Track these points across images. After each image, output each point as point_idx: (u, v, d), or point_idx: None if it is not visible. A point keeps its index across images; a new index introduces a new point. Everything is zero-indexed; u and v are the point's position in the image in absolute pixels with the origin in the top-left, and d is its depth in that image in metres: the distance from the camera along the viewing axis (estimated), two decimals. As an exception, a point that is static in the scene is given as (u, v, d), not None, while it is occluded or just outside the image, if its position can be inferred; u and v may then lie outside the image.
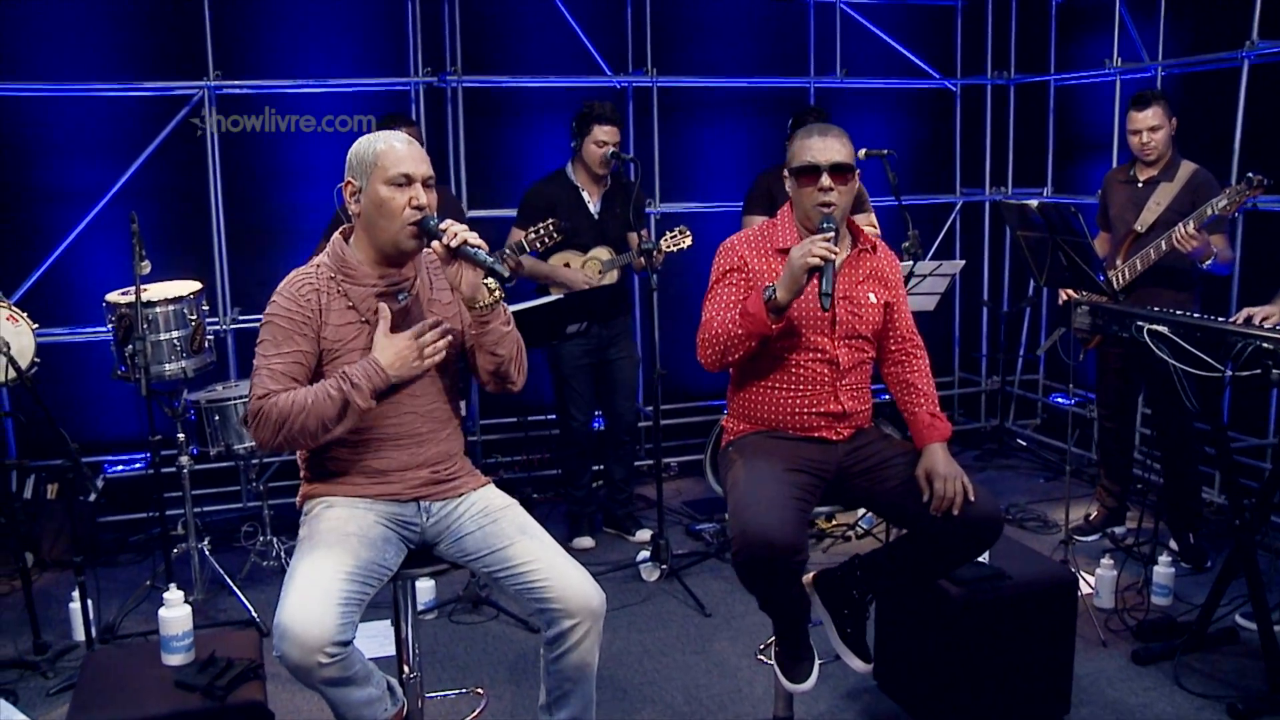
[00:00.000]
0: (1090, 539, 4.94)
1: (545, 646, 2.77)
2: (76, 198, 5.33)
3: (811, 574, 3.24)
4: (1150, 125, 4.48)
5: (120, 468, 5.41)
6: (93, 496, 5.21)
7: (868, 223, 5.23)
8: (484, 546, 2.80)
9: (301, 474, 2.91)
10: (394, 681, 2.82)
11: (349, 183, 2.77)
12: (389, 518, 2.81)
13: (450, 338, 2.81)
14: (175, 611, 2.88)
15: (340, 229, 2.86)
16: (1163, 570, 4.23)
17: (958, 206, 6.84)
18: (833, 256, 2.78)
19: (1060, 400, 6.40)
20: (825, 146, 2.97)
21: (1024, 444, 6.54)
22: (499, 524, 2.83)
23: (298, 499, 2.91)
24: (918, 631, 3.47)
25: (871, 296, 3.10)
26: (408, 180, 2.71)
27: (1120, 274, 4.45)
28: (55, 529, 4.94)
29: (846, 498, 3.12)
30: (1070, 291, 4.39)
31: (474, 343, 2.87)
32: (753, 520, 2.73)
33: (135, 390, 4.09)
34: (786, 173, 3.07)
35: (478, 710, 3.59)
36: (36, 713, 3.64)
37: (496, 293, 2.76)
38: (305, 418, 2.65)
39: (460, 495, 2.90)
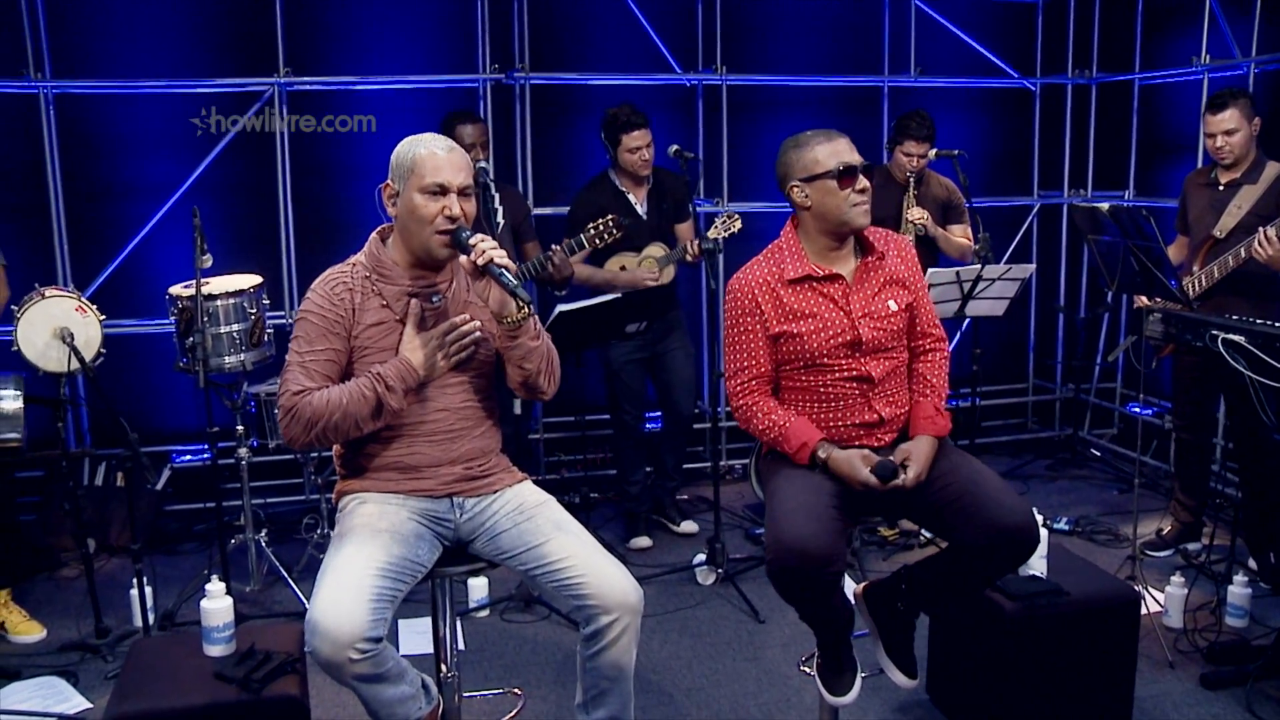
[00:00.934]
0: (1162, 554, 4.76)
1: (582, 644, 2.74)
2: (149, 193, 5.43)
3: (862, 585, 3.17)
4: (1226, 128, 4.29)
5: (187, 458, 5.50)
6: (160, 484, 5.33)
7: (961, 233, 5.12)
8: (519, 544, 2.78)
9: (337, 470, 2.91)
10: (429, 679, 2.81)
11: (388, 185, 2.78)
12: (422, 514, 2.80)
13: (479, 334, 2.80)
14: (217, 603, 2.90)
15: (379, 228, 2.87)
16: (1238, 590, 4.05)
17: (1035, 209, 6.66)
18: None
19: (1137, 410, 6.20)
20: (851, 148, 2.94)
21: (1098, 454, 6.34)
22: (534, 520, 2.81)
23: (334, 495, 2.92)
24: (971, 645, 3.37)
25: (892, 304, 2.98)
26: (442, 190, 2.71)
27: (1197, 281, 4.28)
28: (123, 515, 5.04)
29: (888, 506, 3.02)
30: (1143, 298, 4.23)
31: (503, 354, 2.85)
32: (787, 530, 2.67)
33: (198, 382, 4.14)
34: (801, 182, 2.92)
35: (515, 710, 3.57)
36: (94, 695, 3.71)
37: (525, 309, 2.73)
38: (339, 417, 2.66)
39: (495, 492, 2.89)
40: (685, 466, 6.05)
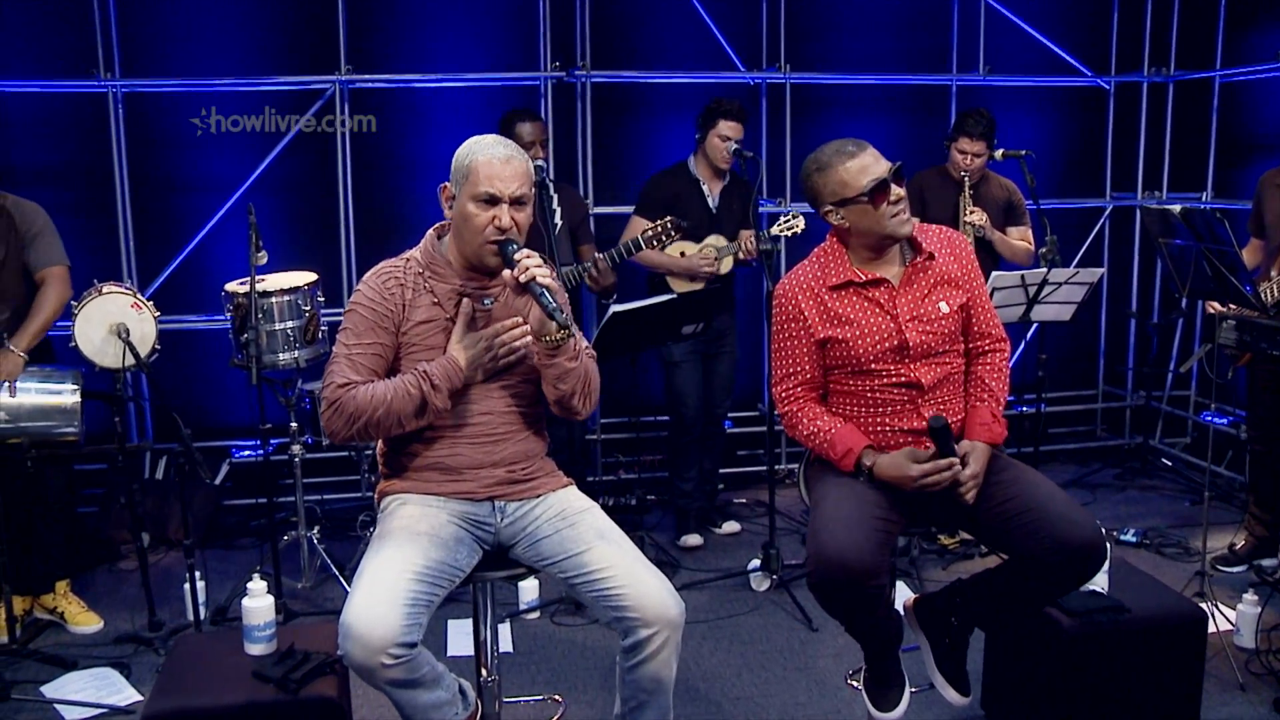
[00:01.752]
0: (1235, 570, 4.58)
1: (621, 655, 2.68)
2: (213, 189, 5.49)
3: (913, 598, 3.07)
4: None
5: (247, 453, 5.55)
6: (219, 479, 5.39)
7: (1020, 236, 4.99)
8: (560, 551, 2.74)
9: (380, 469, 2.89)
10: (466, 685, 2.77)
11: (446, 187, 2.74)
12: (462, 517, 2.77)
13: (529, 339, 2.75)
14: (258, 602, 2.90)
15: (437, 225, 2.84)
16: (1316, 609, 3.89)
17: (1107, 211, 6.46)
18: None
19: (1214, 419, 5.99)
20: (876, 159, 2.80)
21: (1169, 464, 6.15)
22: (576, 528, 2.76)
23: (376, 494, 2.90)
24: (1028, 662, 3.25)
25: (943, 306, 2.88)
26: (494, 200, 2.66)
27: (1275, 286, 4.10)
28: (182, 509, 5.09)
29: (940, 517, 2.93)
30: (1216, 304, 4.07)
31: (540, 371, 2.80)
32: (828, 541, 2.60)
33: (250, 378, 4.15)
34: (834, 206, 2.84)
35: (556, 717, 3.53)
36: (145, 687, 3.74)
37: (563, 332, 2.68)
38: (382, 413, 2.64)
39: (538, 496, 2.85)
40: (742, 470, 6.00)
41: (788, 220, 4.71)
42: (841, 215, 2.84)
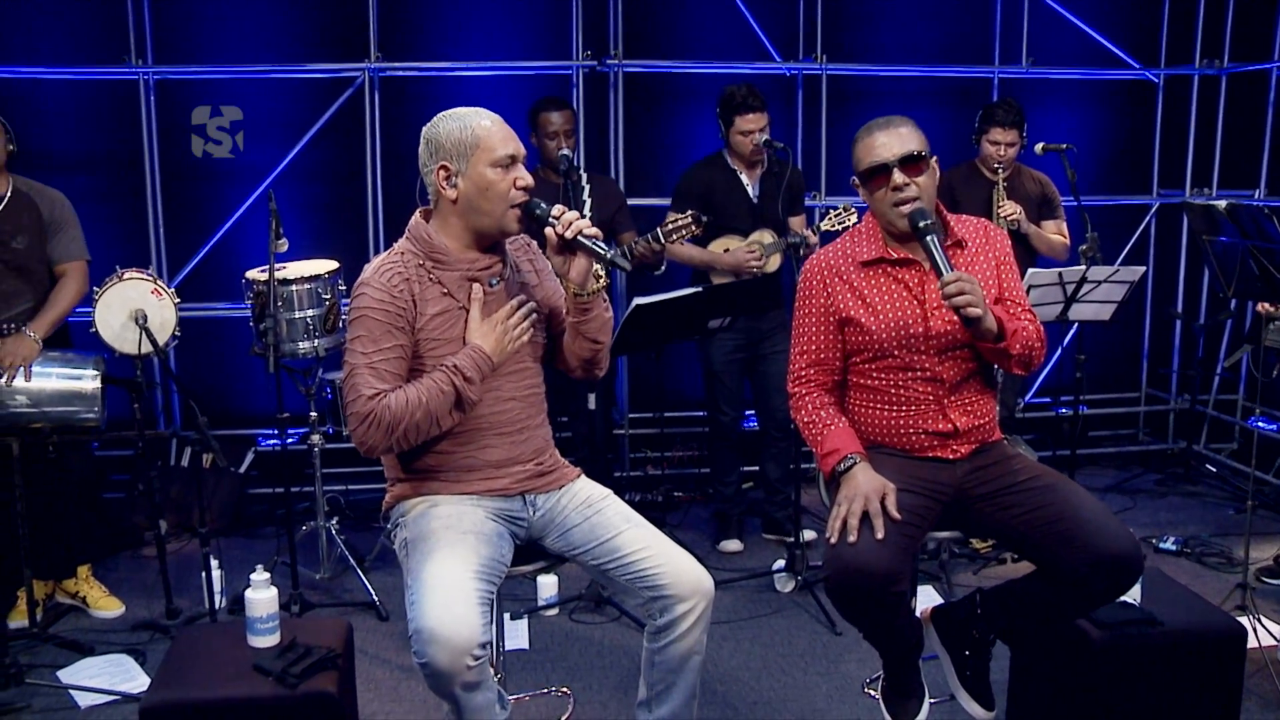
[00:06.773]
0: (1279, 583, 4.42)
1: (650, 637, 2.68)
2: (244, 177, 5.48)
3: (929, 609, 2.97)
4: None
5: (273, 442, 5.53)
6: (244, 467, 5.38)
7: (1055, 230, 4.84)
8: (591, 538, 2.73)
9: (396, 474, 2.80)
10: (499, 687, 2.72)
11: (443, 166, 2.64)
12: (499, 513, 2.74)
13: (537, 317, 2.74)
14: (260, 594, 2.84)
15: (420, 210, 2.76)
16: (1363, 625, 3.72)
17: (1154, 208, 6.27)
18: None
19: (1261, 424, 5.79)
20: (889, 140, 2.69)
21: (1213, 470, 5.95)
22: (604, 514, 2.76)
23: (385, 502, 2.83)
24: (1055, 675, 3.12)
25: None
26: (512, 161, 2.63)
27: (1326, 287, 3.93)
28: (207, 497, 5.08)
29: (968, 523, 2.83)
30: (1266, 304, 3.92)
31: (572, 330, 2.78)
32: (847, 544, 2.50)
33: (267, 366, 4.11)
34: (855, 180, 2.81)
35: (566, 714, 3.47)
36: (159, 676, 3.72)
37: (603, 279, 2.65)
38: (420, 416, 2.58)
39: (561, 487, 2.83)
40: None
41: (838, 214, 4.59)
42: (860, 191, 2.81)
